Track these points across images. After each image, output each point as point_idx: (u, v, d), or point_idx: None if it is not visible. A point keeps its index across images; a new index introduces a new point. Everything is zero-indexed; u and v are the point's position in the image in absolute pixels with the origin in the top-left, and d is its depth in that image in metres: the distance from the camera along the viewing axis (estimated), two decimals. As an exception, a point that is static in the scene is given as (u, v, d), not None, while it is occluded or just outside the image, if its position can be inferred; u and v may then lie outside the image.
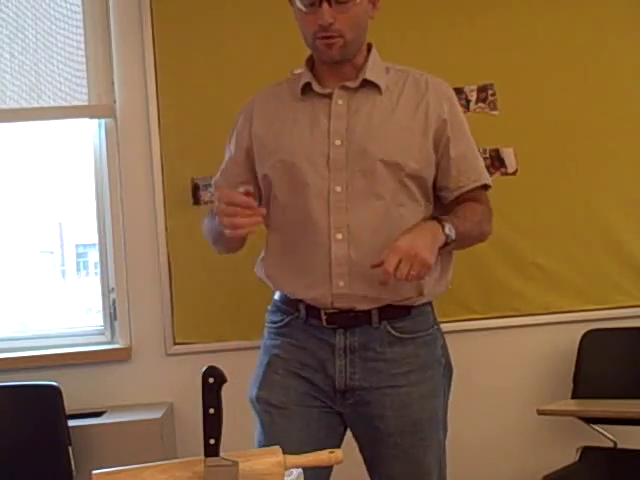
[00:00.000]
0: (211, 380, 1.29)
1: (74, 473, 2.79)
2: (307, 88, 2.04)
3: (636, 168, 3.37)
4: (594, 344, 3.19)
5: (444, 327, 3.38)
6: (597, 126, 3.34)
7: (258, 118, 2.08)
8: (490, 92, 3.32)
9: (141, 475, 1.39)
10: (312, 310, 2.01)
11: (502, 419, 3.29)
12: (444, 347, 2.11)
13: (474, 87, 3.31)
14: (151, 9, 3.19)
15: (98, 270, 3.29)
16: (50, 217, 3.45)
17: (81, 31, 3.21)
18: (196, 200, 3.15)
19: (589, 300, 3.31)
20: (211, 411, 1.29)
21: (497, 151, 3.31)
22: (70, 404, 2.87)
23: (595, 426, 3.05)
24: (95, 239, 3.26)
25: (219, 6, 3.19)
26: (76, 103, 3.20)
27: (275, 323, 2.10)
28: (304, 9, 1.95)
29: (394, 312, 2.00)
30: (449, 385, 2.11)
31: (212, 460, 1.28)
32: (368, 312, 1.99)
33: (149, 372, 3.19)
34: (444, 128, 2.02)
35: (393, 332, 2.00)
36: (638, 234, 3.34)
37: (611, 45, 3.36)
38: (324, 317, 2.00)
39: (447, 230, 1.91)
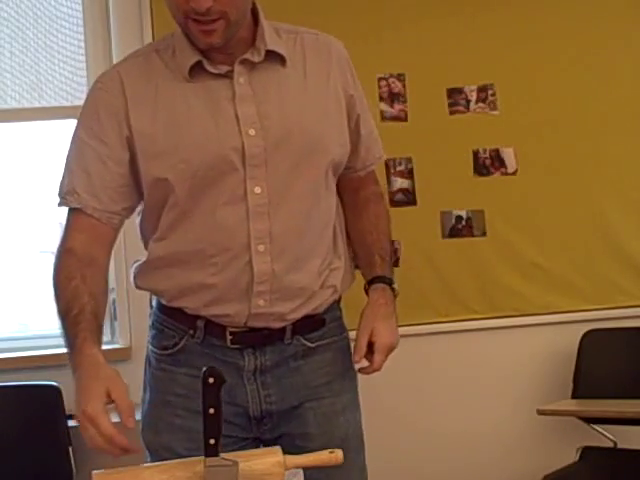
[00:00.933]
0: (211, 380, 1.29)
1: (74, 473, 2.79)
2: (196, 67, 1.60)
3: (636, 168, 3.37)
4: (594, 344, 3.19)
5: (444, 327, 3.39)
6: (597, 126, 3.34)
7: (135, 105, 1.60)
8: (490, 92, 3.32)
9: (141, 475, 1.38)
10: (213, 328, 1.66)
11: (502, 419, 3.29)
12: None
13: (474, 87, 3.31)
14: (151, 9, 3.19)
15: (98, 270, 3.28)
16: (50, 217, 3.44)
17: (81, 30, 3.21)
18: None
19: (589, 300, 3.32)
20: (211, 411, 1.29)
21: (497, 151, 3.31)
22: (70, 404, 2.86)
23: (595, 426, 3.05)
24: (95, 239, 3.25)
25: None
26: (76, 103, 3.20)
27: (167, 349, 1.70)
28: None
29: (310, 325, 1.72)
30: None
31: (212, 460, 1.28)
32: (283, 329, 1.69)
33: (149, 372, 3.19)
34: (353, 104, 1.73)
35: (308, 343, 1.72)
36: (638, 234, 3.34)
37: (611, 45, 3.36)
38: (229, 337, 1.66)
39: (395, 286, 1.76)
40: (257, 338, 1.67)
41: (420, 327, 3.17)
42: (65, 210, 1.73)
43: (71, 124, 3.26)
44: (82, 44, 3.21)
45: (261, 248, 1.60)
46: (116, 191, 1.63)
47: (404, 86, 3.27)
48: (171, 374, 1.70)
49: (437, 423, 3.24)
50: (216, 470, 1.27)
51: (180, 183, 1.58)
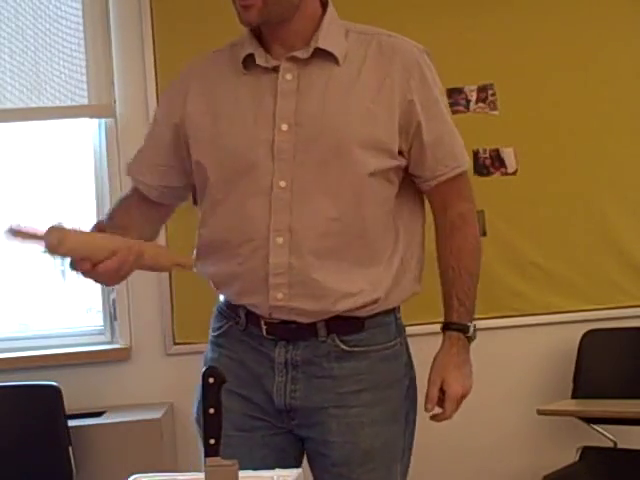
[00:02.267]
0: (211, 380, 1.29)
1: (74, 473, 2.79)
2: (250, 60, 1.67)
3: (636, 168, 3.37)
4: (594, 344, 3.19)
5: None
6: (597, 126, 3.34)
7: (195, 94, 1.72)
8: (490, 92, 3.32)
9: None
10: (252, 317, 1.71)
11: (502, 419, 3.29)
12: (409, 365, 1.79)
13: (474, 87, 3.31)
14: (151, 9, 3.19)
15: (98, 270, 3.28)
16: (50, 217, 3.44)
17: (81, 30, 3.21)
18: (196, 200, 3.15)
19: (589, 300, 3.32)
20: (211, 411, 1.29)
21: (497, 151, 3.31)
22: (70, 404, 2.87)
23: (595, 426, 3.05)
24: (95, 239, 3.25)
25: (219, 6, 3.18)
26: (76, 103, 3.20)
27: (215, 331, 1.81)
28: None
29: (344, 325, 1.68)
30: (414, 410, 1.80)
31: (212, 460, 1.28)
32: (313, 325, 1.67)
33: (149, 372, 3.19)
34: (411, 111, 1.67)
35: (342, 346, 1.68)
36: (638, 234, 3.34)
37: (611, 45, 3.36)
38: (264, 327, 1.69)
39: (471, 332, 1.82)
40: (289, 331, 1.68)
41: (420, 327, 3.16)
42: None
43: (71, 124, 3.28)
44: (82, 44, 3.21)
45: (279, 241, 1.62)
46: (158, 169, 1.78)
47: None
48: (214, 355, 1.79)
49: (437, 423, 3.23)
50: (216, 470, 1.27)
51: (213, 170, 1.67)
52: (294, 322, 1.67)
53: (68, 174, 3.35)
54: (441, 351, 1.75)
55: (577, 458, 3.03)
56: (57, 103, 3.19)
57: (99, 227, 1.76)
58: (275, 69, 1.65)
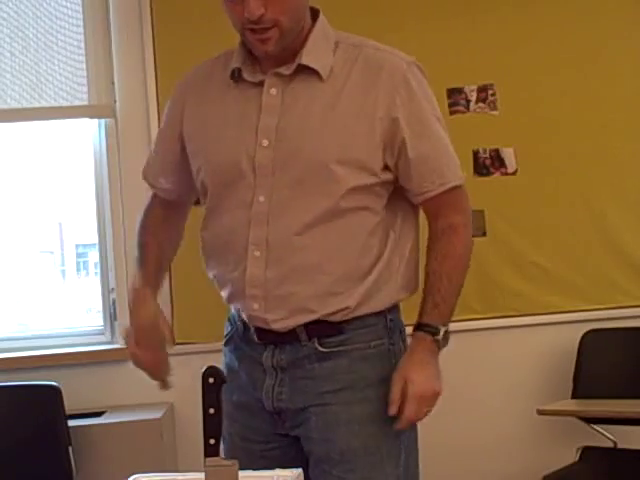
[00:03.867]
0: (211, 380, 1.29)
1: (74, 473, 2.79)
2: (239, 72, 1.70)
3: (636, 168, 3.37)
4: (594, 344, 3.19)
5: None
6: (597, 126, 3.34)
7: (190, 105, 1.77)
8: (490, 92, 3.32)
9: None
10: (245, 323, 1.77)
11: (502, 419, 3.29)
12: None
13: (474, 87, 3.31)
14: (151, 9, 3.19)
15: (98, 270, 3.28)
16: (50, 217, 3.45)
17: (81, 31, 3.21)
18: (196, 200, 3.15)
19: (589, 300, 3.31)
20: (211, 411, 1.29)
21: (497, 151, 3.31)
22: (70, 404, 2.86)
23: (595, 426, 3.05)
24: (95, 239, 3.26)
25: (219, 6, 3.19)
26: (76, 103, 3.20)
27: (224, 337, 1.87)
28: None
29: (322, 329, 1.70)
30: None
31: (212, 460, 1.28)
32: (293, 330, 1.69)
33: (149, 372, 3.19)
34: (396, 129, 1.65)
35: (321, 348, 1.70)
36: (638, 234, 3.34)
37: (611, 45, 3.36)
38: (254, 332, 1.74)
39: (441, 334, 1.71)
40: (274, 336, 1.71)
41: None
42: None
43: (71, 124, 3.28)
44: (82, 44, 3.21)
45: (257, 254, 1.66)
46: (171, 169, 1.85)
47: (404, 86, 3.27)
48: (225, 360, 1.85)
49: (437, 423, 3.23)
50: (216, 470, 1.27)
51: (209, 179, 1.73)
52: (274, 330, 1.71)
53: (68, 174, 3.36)
54: (406, 353, 1.73)
55: (577, 458, 3.03)
56: (57, 103, 3.19)
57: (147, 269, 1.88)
58: (261, 83, 1.67)
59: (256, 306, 1.68)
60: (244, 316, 1.74)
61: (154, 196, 1.91)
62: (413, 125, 1.68)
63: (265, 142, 1.64)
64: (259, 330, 1.73)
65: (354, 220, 1.67)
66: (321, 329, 1.70)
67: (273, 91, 1.66)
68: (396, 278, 1.74)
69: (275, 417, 1.75)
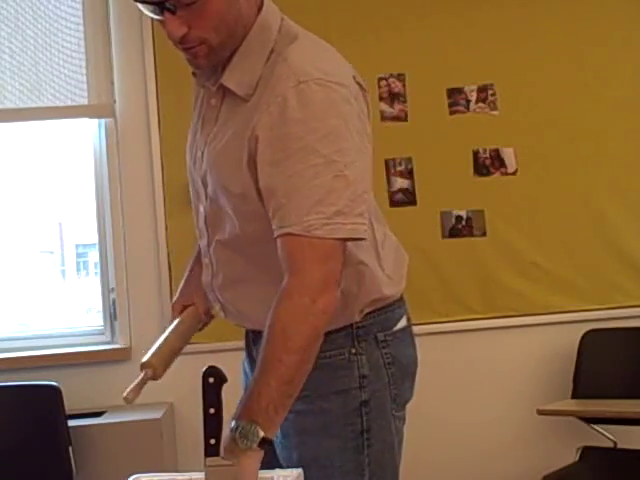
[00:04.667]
0: (211, 380, 1.29)
1: (74, 473, 2.79)
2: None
3: (636, 168, 3.37)
4: (594, 344, 3.19)
5: (444, 327, 3.38)
6: (597, 126, 3.34)
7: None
8: (490, 92, 3.32)
9: None
10: None
11: (502, 419, 3.29)
12: (370, 380, 1.58)
13: (474, 87, 3.31)
14: (151, 9, 3.19)
15: (98, 270, 3.28)
16: (50, 217, 3.45)
17: (81, 30, 3.21)
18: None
19: (589, 300, 3.31)
20: (211, 411, 1.29)
21: (497, 151, 3.31)
22: (70, 404, 2.86)
23: (595, 426, 3.05)
24: (95, 239, 3.26)
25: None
26: (76, 103, 3.20)
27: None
28: (155, 17, 1.45)
29: None
30: (384, 427, 1.60)
31: (212, 460, 1.28)
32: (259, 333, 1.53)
33: (149, 372, 3.19)
34: (255, 148, 1.45)
35: None
36: (638, 234, 3.34)
37: (611, 45, 3.36)
38: (250, 333, 1.73)
39: (237, 435, 1.30)
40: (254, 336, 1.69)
41: (420, 327, 3.15)
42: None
43: (71, 124, 3.27)
44: (82, 44, 3.21)
45: (206, 261, 1.66)
46: None
47: (404, 86, 3.27)
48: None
49: (437, 423, 3.24)
50: (216, 470, 1.27)
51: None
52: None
53: (68, 174, 3.36)
54: None
55: (577, 458, 3.03)
56: (57, 103, 3.19)
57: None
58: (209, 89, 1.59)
59: (217, 307, 1.69)
60: None
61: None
62: (274, 150, 1.42)
63: (199, 153, 1.59)
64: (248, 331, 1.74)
65: (256, 234, 1.53)
66: None
67: (213, 101, 1.57)
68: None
69: None
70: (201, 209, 1.61)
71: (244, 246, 1.55)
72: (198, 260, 1.74)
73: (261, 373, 1.36)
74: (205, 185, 1.57)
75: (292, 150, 1.40)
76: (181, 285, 1.80)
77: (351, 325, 1.58)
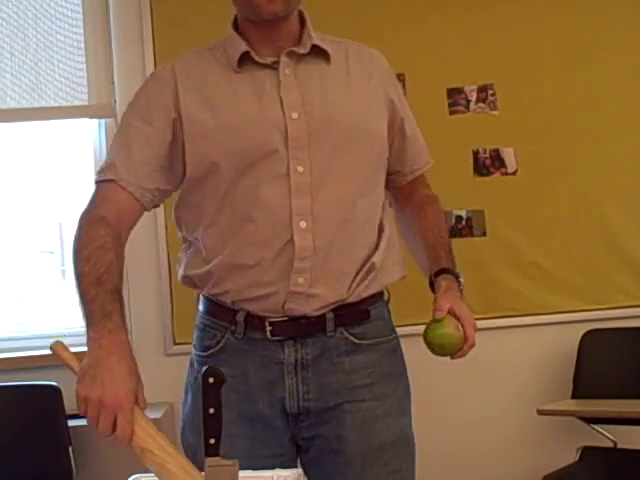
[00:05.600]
0: (211, 380, 1.29)
1: (74, 473, 2.79)
2: (244, 59, 1.68)
3: (636, 168, 3.37)
4: (594, 344, 3.19)
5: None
6: (597, 126, 3.35)
7: (186, 90, 1.68)
8: (490, 92, 3.32)
9: None
10: (253, 320, 1.67)
11: (502, 419, 3.29)
12: (404, 360, 1.83)
13: (474, 87, 3.31)
14: (151, 9, 3.19)
15: (98, 270, 3.28)
16: (50, 217, 3.44)
17: (81, 31, 3.21)
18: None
19: (589, 300, 3.31)
20: (211, 411, 1.29)
21: (497, 151, 3.31)
22: (70, 404, 2.86)
23: (595, 426, 3.05)
24: (95, 239, 3.25)
25: (219, 6, 3.18)
26: (76, 103, 3.20)
27: (207, 350, 1.73)
28: None
29: (352, 316, 1.70)
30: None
31: (212, 460, 1.28)
32: (322, 318, 1.66)
33: (149, 372, 3.16)
34: (394, 109, 1.78)
35: (352, 338, 1.70)
36: (638, 234, 3.34)
37: (611, 45, 3.36)
38: (268, 328, 1.66)
39: (461, 280, 1.77)
40: (297, 328, 1.66)
41: (420, 327, 3.16)
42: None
43: (71, 124, 3.28)
44: (82, 44, 3.21)
45: (303, 225, 1.61)
46: (155, 170, 1.69)
47: (404, 86, 3.26)
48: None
49: (437, 423, 3.24)
50: (216, 470, 1.27)
51: (226, 162, 1.63)
52: (304, 317, 1.65)
53: (68, 174, 3.35)
54: (440, 289, 1.72)
55: (577, 458, 3.03)
56: (57, 103, 3.19)
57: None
58: (271, 66, 1.67)
59: (301, 280, 1.62)
60: (269, 304, 1.65)
61: (111, 190, 1.71)
62: (403, 108, 1.81)
63: (295, 115, 1.63)
64: (275, 325, 1.65)
65: (375, 195, 1.74)
66: (350, 315, 1.69)
67: (287, 70, 1.67)
68: (395, 260, 1.78)
69: (290, 418, 1.69)
70: (300, 169, 1.63)
71: (361, 197, 1.72)
72: None
73: (446, 242, 1.82)
74: (319, 140, 1.64)
75: (407, 106, 1.85)
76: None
77: (388, 310, 1.81)
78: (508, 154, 3.32)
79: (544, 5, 3.35)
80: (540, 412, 2.89)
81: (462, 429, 3.27)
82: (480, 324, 3.37)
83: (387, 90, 1.77)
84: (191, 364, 1.79)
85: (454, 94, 3.30)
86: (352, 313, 1.69)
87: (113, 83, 3.21)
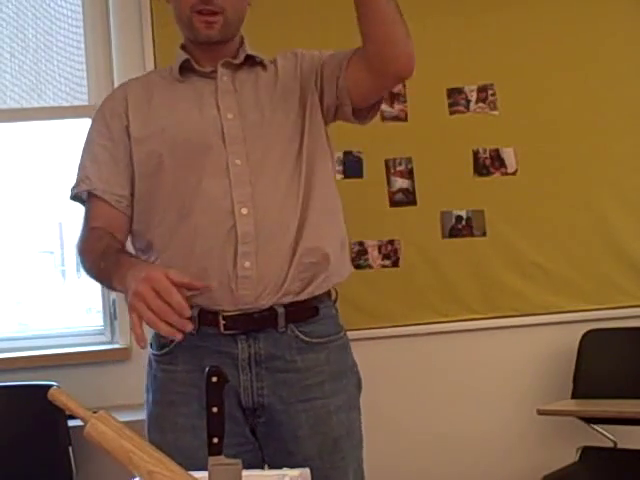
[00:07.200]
0: (214, 379, 1.29)
1: (74, 473, 2.79)
2: (185, 68, 1.86)
3: (636, 168, 3.37)
4: (594, 344, 3.19)
5: (444, 327, 3.38)
6: (597, 126, 3.35)
7: (133, 105, 1.85)
8: (490, 92, 3.32)
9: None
10: (207, 315, 1.72)
11: (502, 419, 3.29)
12: (352, 356, 1.89)
13: (474, 87, 3.31)
14: (151, 9, 3.19)
15: (98, 270, 3.28)
16: (50, 217, 3.44)
17: (81, 31, 3.21)
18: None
19: (589, 300, 3.32)
20: (214, 410, 1.29)
21: (497, 151, 3.31)
22: (70, 404, 2.86)
23: (595, 426, 3.05)
24: (95, 239, 3.25)
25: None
26: (76, 103, 3.20)
27: (163, 348, 1.78)
28: None
29: (302, 312, 1.76)
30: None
31: (215, 459, 1.28)
32: (274, 312, 1.72)
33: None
34: (314, 66, 1.88)
35: (302, 337, 1.77)
36: (638, 234, 3.35)
37: (611, 45, 3.37)
38: (222, 322, 1.71)
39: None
40: (249, 322, 1.71)
41: (420, 327, 3.17)
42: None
43: (71, 124, 3.27)
44: (82, 44, 3.21)
45: (244, 211, 1.72)
46: (123, 177, 1.82)
47: (404, 86, 3.27)
48: (170, 374, 1.77)
49: (437, 423, 3.24)
50: (219, 469, 1.27)
51: (168, 157, 1.76)
52: (255, 312, 1.71)
53: (68, 174, 3.35)
54: None
55: (577, 458, 3.03)
56: (57, 103, 3.19)
57: None
58: (210, 75, 1.85)
59: (248, 264, 1.69)
60: (223, 294, 1.70)
61: (94, 206, 1.83)
62: (318, 59, 1.89)
63: (230, 115, 1.79)
64: (228, 318, 1.71)
65: (321, 165, 1.84)
66: (299, 311, 1.75)
67: (225, 78, 1.84)
68: (340, 250, 1.85)
69: (247, 412, 1.74)
70: (237, 162, 1.75)
71: (291, 182, 1.81)
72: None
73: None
74: (253, 137, 1.77)
75: (316, 52, 1.92)
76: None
77: (336, 309, 1.86)
78: (508, 154, 3.32)
79: (544, 5, 3.35)
80: (540, 412, 2.89)
81: (462, 429, 3.27)
82: (480, 324, 3.40)
83: (304, 70, 1.87)
84: (149, 364, 1.84)
85: (454, 94, 3.31)
86: (302, 309, 1.76)
87: (113, 83, 3.21)
